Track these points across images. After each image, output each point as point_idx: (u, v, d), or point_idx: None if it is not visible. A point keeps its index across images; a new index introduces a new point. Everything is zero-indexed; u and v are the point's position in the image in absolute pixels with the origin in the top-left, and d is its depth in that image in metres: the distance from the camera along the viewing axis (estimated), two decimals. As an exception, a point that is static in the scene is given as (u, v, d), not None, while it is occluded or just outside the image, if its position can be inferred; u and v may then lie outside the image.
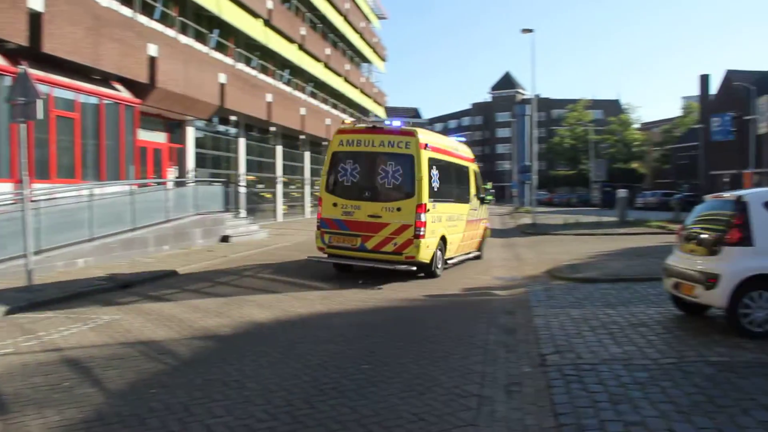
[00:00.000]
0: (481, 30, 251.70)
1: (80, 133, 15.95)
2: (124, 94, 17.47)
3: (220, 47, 25.74)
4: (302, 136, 34.06)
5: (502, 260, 16.39)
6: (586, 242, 20.72)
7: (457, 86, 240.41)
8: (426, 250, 12.18)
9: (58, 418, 4.93)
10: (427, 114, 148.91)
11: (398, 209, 12.03)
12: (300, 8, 35.41)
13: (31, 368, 6.34)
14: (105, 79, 16.95)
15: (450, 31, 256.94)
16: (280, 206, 31.99)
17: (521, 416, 5.10)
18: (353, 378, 6.03)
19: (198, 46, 23.22)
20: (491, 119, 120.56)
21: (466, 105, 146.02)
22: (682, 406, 5.04)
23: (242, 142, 27.34)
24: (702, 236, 8.05)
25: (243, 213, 23.93)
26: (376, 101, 54.65)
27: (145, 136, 19.72)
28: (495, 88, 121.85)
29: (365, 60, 52.44)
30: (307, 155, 35.98)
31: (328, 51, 39.25)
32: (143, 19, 19.26)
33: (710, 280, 7.36)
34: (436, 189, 12.61)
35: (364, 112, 51.70)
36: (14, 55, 13.67)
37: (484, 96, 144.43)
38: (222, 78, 22.87)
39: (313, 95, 38.28)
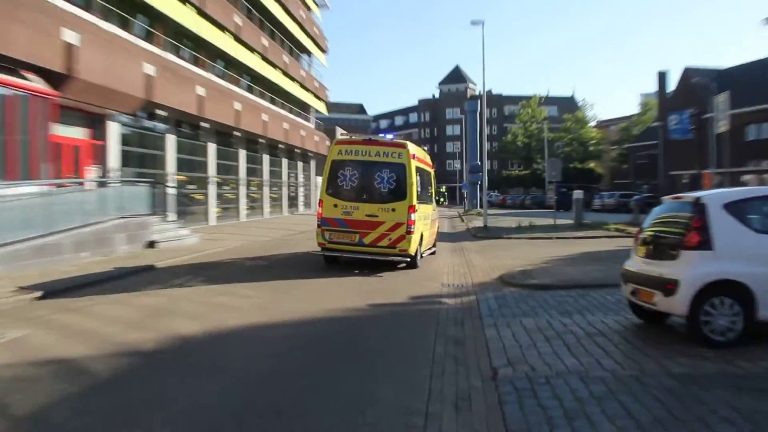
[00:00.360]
0: (430, 20, 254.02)
1: (-14, 128, 15.30)
2: (37, 84, 16.83)
3: (147, 36, 25.15)
4: (237, 133, 33.59)
5: (452, 266, 16.42)
6: (540, 246, 20.94)
7: (404, 81, 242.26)
8: (414, 245, 15.10)
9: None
10: (372, 110, 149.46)
11: (393, 209, 14.93)
12: (235, -6, 34.98)
13: None
14: (15, 68, 16.30)
15: (396, 21, 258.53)
16: (213, 208, 31.46)
17: (472, 435, 5.04)
18: (290, 396, 5.88)
19: (123, 33, 22.63)
20: (440, 116, 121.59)
21: (413, 101, 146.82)
22: (642, 421, 5.06)
23: (171, 139, 26.77)
24: (660, 240, 8.19)
25: (172, 216, 23.41)
26: (317, 96, 54.41)
27: (62, 131, 19.04)
28: (444, 82, 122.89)
29: (305, 51, 52.15)
30: (242, 154, 35.48)
31: (265, 42, 38.89)
32: (59, 2, 18.63)
33: (669, 286, 7.46)
34: (419, 193, 15.61)
35: (305, 107, 51.40)
36: None
37: (433, 91, 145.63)
38: (149, 69, 22.32)
39: (249, 89, 37.83)
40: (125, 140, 23.49)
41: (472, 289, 12.50)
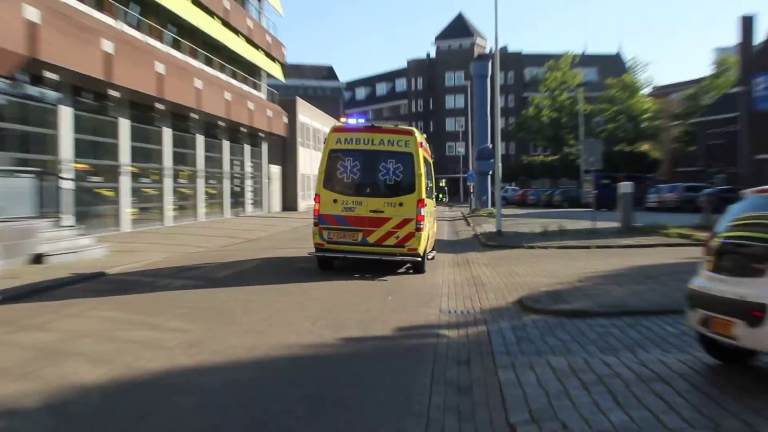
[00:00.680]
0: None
1: None
2: None
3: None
4: (161, 105, 33.43)
5: (453, 285, 16.46)
6: (574, 258, 21.04)
7: (388, 35, 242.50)
8: (423, 243, 17.31)
9: None
10: (345, 75, 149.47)
11: (400, 204, 17.13)
12: None
13: None
14: None
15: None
16: (126, 209, 31.30)
17: None
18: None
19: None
20: (437, 82, 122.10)
21: (401, 62, 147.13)
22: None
23: (67, 113, 26.45)
24: (741, 249, 8.12)
25: (68, 220, 23.22)
26: (269, 55, 54.36)
27: None
28: (442, 36, 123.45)
29: (253, -7, 52.15)
30: (167, 133, 35.36)
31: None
32: None
33: (755, 313, 7.32)
34: (427, 186, 17.87)
35: (253, 71, 51.25)
36: None
37: (428, 49, 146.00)
38: (31, 14, 21.97)
39: (176, 45, 37.65)
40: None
41: (482, 317, 12.53)
